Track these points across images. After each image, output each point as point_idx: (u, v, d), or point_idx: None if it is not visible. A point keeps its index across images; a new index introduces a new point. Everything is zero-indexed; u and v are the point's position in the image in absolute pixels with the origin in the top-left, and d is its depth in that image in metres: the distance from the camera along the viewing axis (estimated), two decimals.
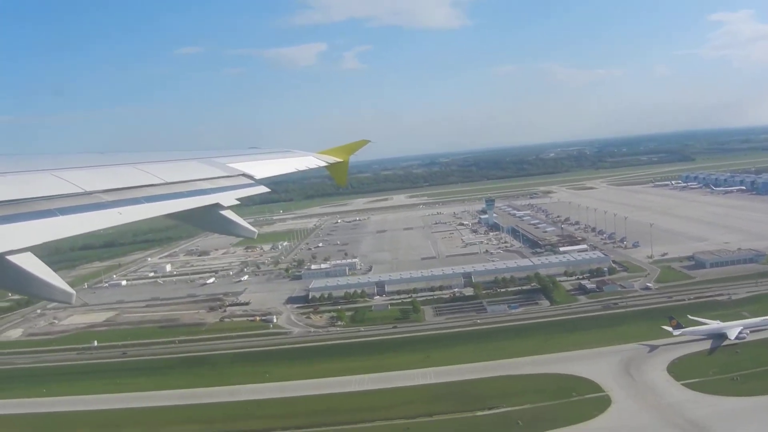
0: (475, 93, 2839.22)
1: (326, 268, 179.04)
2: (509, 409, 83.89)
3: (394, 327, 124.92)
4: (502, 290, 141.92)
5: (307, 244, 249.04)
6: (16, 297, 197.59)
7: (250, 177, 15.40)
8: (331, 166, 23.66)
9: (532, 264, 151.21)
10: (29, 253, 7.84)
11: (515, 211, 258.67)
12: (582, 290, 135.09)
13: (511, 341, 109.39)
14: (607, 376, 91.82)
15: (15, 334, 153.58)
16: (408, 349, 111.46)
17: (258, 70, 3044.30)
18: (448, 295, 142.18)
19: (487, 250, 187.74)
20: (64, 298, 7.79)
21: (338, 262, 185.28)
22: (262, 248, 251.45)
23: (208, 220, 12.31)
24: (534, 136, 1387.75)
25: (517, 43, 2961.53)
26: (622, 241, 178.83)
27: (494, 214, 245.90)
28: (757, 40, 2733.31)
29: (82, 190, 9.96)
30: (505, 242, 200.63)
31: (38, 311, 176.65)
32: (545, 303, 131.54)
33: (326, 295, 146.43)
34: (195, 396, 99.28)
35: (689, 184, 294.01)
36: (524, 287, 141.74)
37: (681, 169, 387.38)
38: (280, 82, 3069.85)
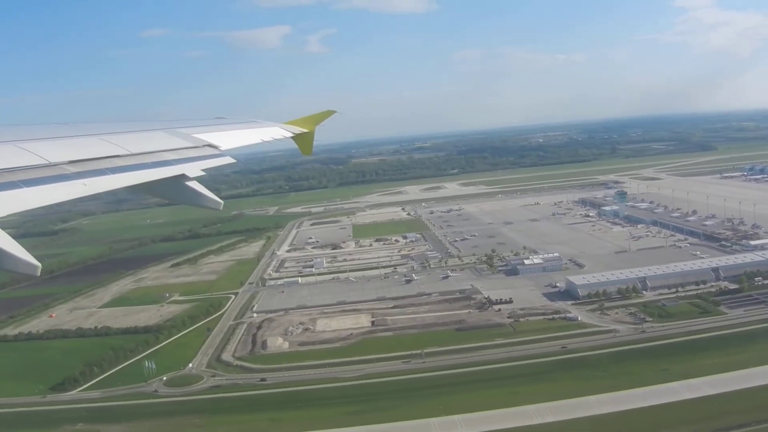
0: (439, 77, 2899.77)
1: (540, 263, 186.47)
2: None
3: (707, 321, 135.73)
4: (759, 284, 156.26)
5: (445, 236, 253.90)
6: (201, 296, 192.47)
7: (216, 147, 15.64)
8: (297, 137, 24.10)
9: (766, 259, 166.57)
10: None
11: (635, 204, 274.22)
12: None
13: None
14: None
15: (280, 344, 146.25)
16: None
17: (222, 52, 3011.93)
18: (714, 290, 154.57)
19: (674, 244, 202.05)
20: (29, 270, 7.70)
21: (547, 256, 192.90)
22: (396, 240, 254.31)
23: (174, 191, 12.60)
24: (499, 120, 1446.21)
25: (482, 27, 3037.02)
26: None
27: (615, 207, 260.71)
28: (717, 27, 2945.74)
29: (47, 162, 9.93)
30: (672, 236, 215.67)
31: (254, 315, 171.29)
32: None
33: (601, 292, 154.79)
34: (638, 398, 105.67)
35: (764, 176, 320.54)
36: None
37: (711, 160, 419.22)
38: (244, 64, 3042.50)
